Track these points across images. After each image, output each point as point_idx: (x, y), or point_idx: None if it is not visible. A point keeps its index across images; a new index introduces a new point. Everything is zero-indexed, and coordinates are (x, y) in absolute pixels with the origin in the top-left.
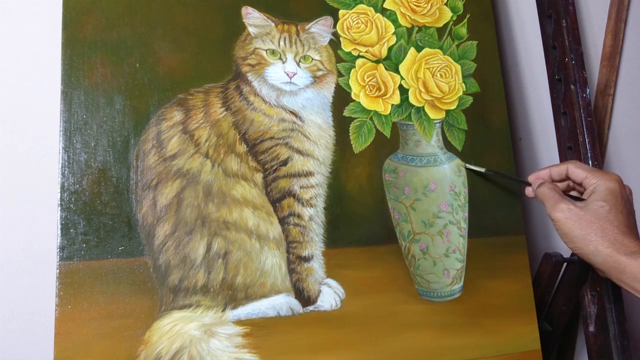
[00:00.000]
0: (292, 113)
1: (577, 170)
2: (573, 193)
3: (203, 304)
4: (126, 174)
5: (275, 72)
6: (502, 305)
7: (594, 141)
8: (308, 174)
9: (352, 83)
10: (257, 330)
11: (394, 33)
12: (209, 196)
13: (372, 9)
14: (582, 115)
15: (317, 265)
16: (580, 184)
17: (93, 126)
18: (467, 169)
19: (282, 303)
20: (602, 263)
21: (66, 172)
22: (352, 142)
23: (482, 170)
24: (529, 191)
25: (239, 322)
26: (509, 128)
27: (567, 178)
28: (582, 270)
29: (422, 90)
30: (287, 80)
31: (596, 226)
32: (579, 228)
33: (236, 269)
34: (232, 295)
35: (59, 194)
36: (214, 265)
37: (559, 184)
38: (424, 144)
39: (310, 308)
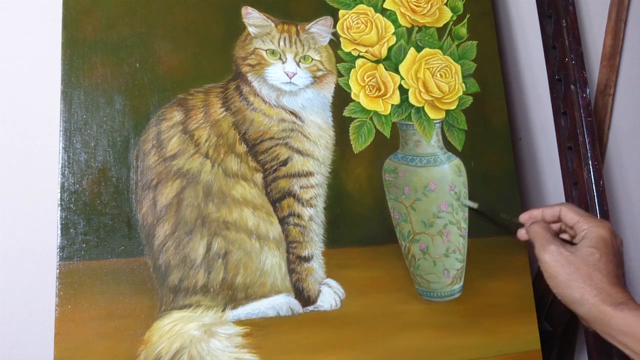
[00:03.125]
0: (292, 113)
1: (569, 214)
2: (564, 236)
3: (203, 304)
4: (126, 174)
5: (275, 72)
6: (502, 305)
7: (594, 141)
8: (308, 174)
9: (352, 83)
10: (257, 330)
11: (393, 33)
12: (209, 196)
13: (372, 9)
14: (582, 115)
15: (317, 265)
16: (571, 228)
17: (93, 126)
18: (462, 204)
19: (282, 303)
20: (586, 313)
21: (66, 172)
22: (352, 142)
23: (475, 206)
24: (521, 234)
25: (239, 322)
26: (509, 128)
27: (559, 220)
28: None
29: (422, 90)
30: (287, 81)
31: (584, 273)
32: (566, 273)
33: (236, 269)
34: (232, 295)
35: (59, 194)
36: (214, 265)
37: (552, 225)
38: (424, 144)
39: (310, 308)
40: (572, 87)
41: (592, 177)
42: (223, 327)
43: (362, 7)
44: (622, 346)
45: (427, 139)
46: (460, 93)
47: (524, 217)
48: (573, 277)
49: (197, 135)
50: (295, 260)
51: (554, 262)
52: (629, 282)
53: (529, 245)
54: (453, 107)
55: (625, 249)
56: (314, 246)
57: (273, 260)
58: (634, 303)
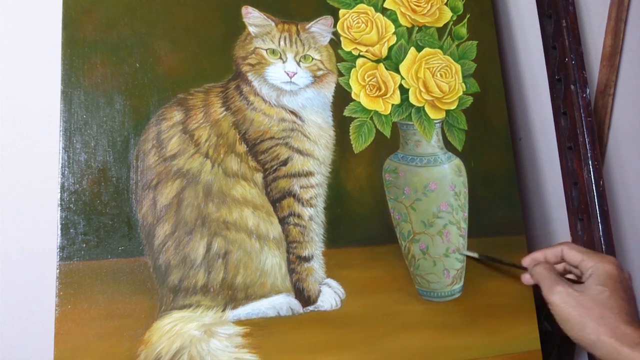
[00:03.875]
0: (292, 113)
1: (571, 252)
2: (570, 276)
3: (203, 304)
4: (126, 174)
5: (276, 72)
6: (502, 305)
7: (594, 141)
8: (308, 173)
9: (352, 83)
10: (257, 330)
11: (394, 33)
12: (209, 196)
13: (372, 8)
14: (582, 115)
15: (317, 265)
16: (576, 267)
17: (93, 126)
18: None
19: (282, 303)
20: (603, 354)
21: (66, 172)
22: (352, 142)
23: (476, 255)
24: (525, 279)
25: (239, 322)
26: (509, 128)
27: (562, 260)
28: None
29: (422, 90)
30: (287, 80)
31: (596, 313)
32: (578, 314)
33: (236, 269)
34: (232, 295)
35: (59, 194)
36: (214, 265)
37: (556, 266)
38: (424, 143)
39: (310, 308)
40: (572, 87)
41: (592, 177)
42: (223, 327)
43: (362, 7)
44: None
45: (427, 139)
46: (460, 93)
47: (526, 261)
48: (585, 319)
49: (197, 135)
50: (295, 260)
51: (564, 303)
52: None
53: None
54: (453, 107)
55: (624, 248)
56: (314, 246)
57: (273, 260)
58: None
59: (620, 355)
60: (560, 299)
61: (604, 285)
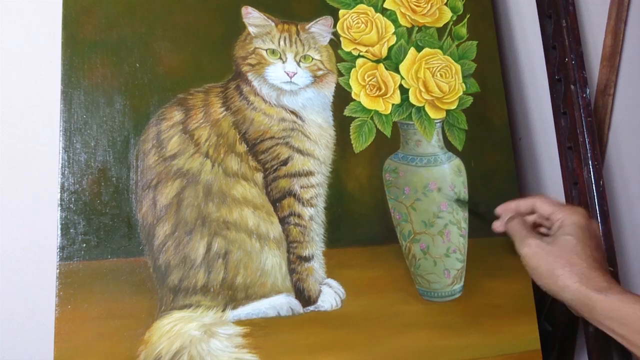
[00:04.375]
0: (293, 113)
1: (543, 206)
2: (542, 230)
3: (203, 304)
4: (126, 174)
5: (276, 72)
6: (502, 305)
7: (594, 141)
8: (308, 173)
9: (352, 83)
10: (257, 330)
11: (394, 33)
12: (209, 196)
13: (372, 8)
14: (582, 115)
15: (317, 265)
16: (547, 219)
17: (93, 126)
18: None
19: (282, 303)
20: (572, 299)
21: (66, 172)
22: (352, 142)
23: (454, 197)
24: (496, 225)
25: (239, 322)
26: (509, 128)
27: (534, 212)
28: None
29: (423, 90)
30: (287, 80)
31: (564, 260)
32: (547, 263)
33: (236, 269)
34: (232, 295)
35: (59, 194)
36: (214, 265)
37: (528, 217)
38: (425, 143)
39: (311, 308)
40: (572, 87)
41: (592, 177)
42: (223, 327)
43: (362, 7)
44: (609, 330)
45: (427, 139)
46: (461, 93)
47: (499, 209)
48: (553, 266)
49: (197, 135)
50: (295, 260)
51: (534, 254)
52: (629, 282)
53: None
54: (453, 107)
55: (624, 248)
56: (315, 246)
57: (273, 260)
58: (617, 287)
59: (587, 298)
60: (530, 250)
61: (572, 235)
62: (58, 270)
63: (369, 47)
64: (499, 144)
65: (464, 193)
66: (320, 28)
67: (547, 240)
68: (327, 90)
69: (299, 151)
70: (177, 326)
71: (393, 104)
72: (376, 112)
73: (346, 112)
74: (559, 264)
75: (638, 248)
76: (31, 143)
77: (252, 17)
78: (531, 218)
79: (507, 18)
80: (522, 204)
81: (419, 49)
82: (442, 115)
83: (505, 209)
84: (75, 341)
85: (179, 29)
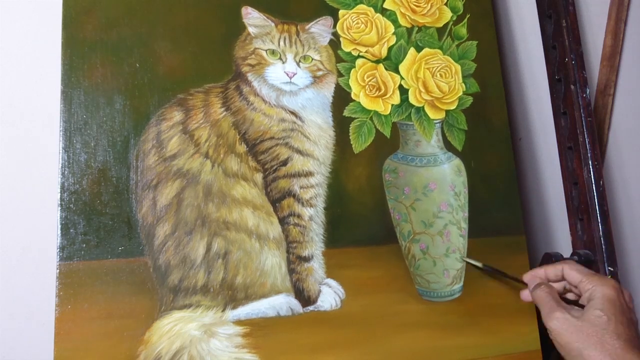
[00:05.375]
0: (292, 113)
1: (572, 273)
2: (570, 295)
3: (203, 304)
4: (126, 174)
5: (275, 72)
6: (502, 305)
7: (594, 141)
8: (308, 174)
9: (352, 83)
10: (257, 330)
11: (393, 33)
12: (209, 196)
13: (372, 9)
14: (582, 115)
15: (317, 265)
16: (575, 287)
17: (93, 126)
18: (466, 262)
19: (282, 303)
20: None
21: (66, 172)
22: (352, 142)
23: (480, 264)
24: (524, 295)
25: (239, 322)
26: (509, 128)
27: (562, 279)
28: None
29: (422, 90)
30: (287, 80)
31: (595, 339)
32: (577, 340)
33: (236, 269)
34: (232, 295)
35: (59, 194)
36: (214, 265)
37: (555, 284)
38: (424, 144)
39: (310, 308)
40: (572, 87)
41: (592, 177)
42: (223, 327)
43: (362, 7)
44: None
45: (427, 139)
46: (460, 93)
47: (527, 277)
48: (584, 345)
49: (197, 135)
50: (295, 260)
51: (563, 330)
52: (629, 282)
53: (528, 245)
54: (453, 107)
55: (624, 248)
56: (314, 246)
57: (273, 260)
58: None
59: None
60: (558, 325)
61: (602, 310)
62: (58, 270)
63: (368, 47)
64: (499, 144)
65: (464, 193)
66: (320, 28)
67: (576, 314)
68: (327, 91)
69: (299, 151)
70: (177, 326)
71: (392, 105)
72: (376, 112)
73: (346, 113)
74: (589, 343)
75: (638, 248)
76: (31, 143)
77: (252, 18)
78: (560, 285)
79: (507, 18)
80: (550, 271)
81: (418, 49)
82: (442, 115)
83: (533, 276)
84: (75, 341)
85: (179, 29)
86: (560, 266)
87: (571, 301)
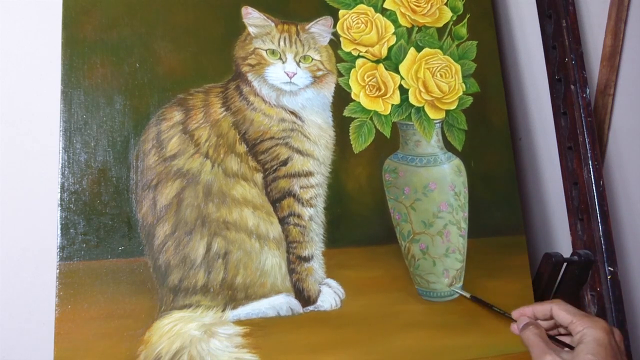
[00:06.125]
0: (292, 113)
1: (561, 313)
2: (561, 330)
3: (203, 304)
4: (126, 174)
5: (275, 72)
6: (502, 305)
7: (594, 141)
8: (308, 174)
9: (352, 83)
10: (257, 330)
11: (394, 33)
12: (209, 196)
13: (372, 9)
14: (582, 115)
15: (317, 265)
16: (565, 327)
17: (93, 126)
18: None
19: (282, 303)
20: None
21: (66, 172)
22: (352, 142)
23: (468, 295)
24: (513, 328)
25: (239, 322)
26: (509, 128)
27: (551, 318)
28: (582, 270)
29: (422, 90)
30: (287, 80)
31: None
32: None
33: (236, 269)
34: (232, 295)
35: (59, 194)
36: (214, 265)
37: (544, 323)
38: (424, 144)
39: (310, 308)
40: (572, 87)
41: (592, 177)
42: (223, 327)
43: (362, 7)
44: None
45: (427, 139)
46: (460, 93)
47: (515, 314)
48: None
49: (197, 135)
50: (295, 260)
51: None
52: (629, 282)
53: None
54: (453, 107)
55: (624, 248)
56: (314, 246)
57: (273, 260)
58: None
59: None
60: None
61: (593, 354)
62: (58, 270)
63: (368, 47)
64: (499, 144)
65: (464, 193)
66: (320, 28)
67: (567, 357)
68: (327, 91)
69: (299, 152)
70: (177, 326)
71: (392, 105)
72: (376, 112)
73: (346, 113)
74: None
75: (638, 248)
76: (31, 143)
77: (252, 18)
78: (547, 324)
79: (507, 18)
80: (539, 309)
81: (418, 49)
82: (442, 115)
83: (521, 314)
84: (75, 341)
85: (179, 29)
86: (548, 306)
87: (562, 343)
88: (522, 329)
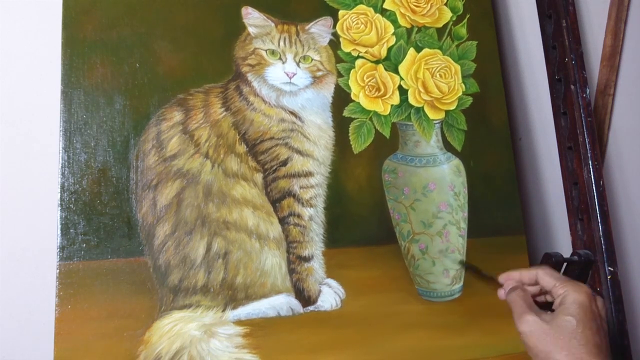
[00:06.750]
0: (292, 113)
1: (545, 278)
2: (548, 297)
3: (203, 304)
4: (126, 174)
5: (275, 73)
6: (502, 305)
7: (594, 141)
8: (308, 174)
9: (351, 83)
10: (257, 330)
11: (393, 33)
12: (209, 196)
13: (371, 9)
14: (582, 115)
15: (317, 265)
16: (549, 292)
17: (93, 126)
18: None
19: (282, 303)
20: None
21: (66, 172)
22: (351, 143)
23: (460, 259)
24: (501, 294)
25: (239, 322)
26: (509, 128)
27: (537, 283)
28: (582, 270)
29: (422, 90)
30: (287, 81)
31: (562, 343)
32: (544, 344)
33: (236, 269)
34: (232, 295)
35: (59, 194)
36: (214, 265)
37: (530, 288)
38: (424, 144)
39: (311, 308)
40: (572, 87)
41: (592, 177)
42: (223, 327)
43: (362, 8)
44: None
45: (426, 139)
46: (460, 93)
47: (502, 278)
48: (551, 349)
49: (197, 135)
50: (295, 260)
51: (531, 333)
52: (629, 281)
53: (528, 245)
54: (453, 107)
55: (624, 248)
56: (314, 246)
57: (273, 260)
58: None
59: None
60: (528, 327)
61: (572, 315)
62: (58, 270)
63: (368, 47)
64: (499, 144)
65: (463, 193)
66: (319, 29)
67: (546, 318)
68: (327, 91)
69: (299, 152)
70: (177, 326)
71: (392, 105)
72: (375, 113)
73: (345, 113)
74: (557, 348)
75: (638, 248)
76: (31, 143)
77: (252, 18)
78: (533, 289)
79: (507, 18)
80: (525, 274)
81: (418, 49)
82: (441, 115)
83: (508, 278)
84: (75, 341)
85: (179, 29)
86: (534, 270)
87: (544, 305)
88: (508, 292)
